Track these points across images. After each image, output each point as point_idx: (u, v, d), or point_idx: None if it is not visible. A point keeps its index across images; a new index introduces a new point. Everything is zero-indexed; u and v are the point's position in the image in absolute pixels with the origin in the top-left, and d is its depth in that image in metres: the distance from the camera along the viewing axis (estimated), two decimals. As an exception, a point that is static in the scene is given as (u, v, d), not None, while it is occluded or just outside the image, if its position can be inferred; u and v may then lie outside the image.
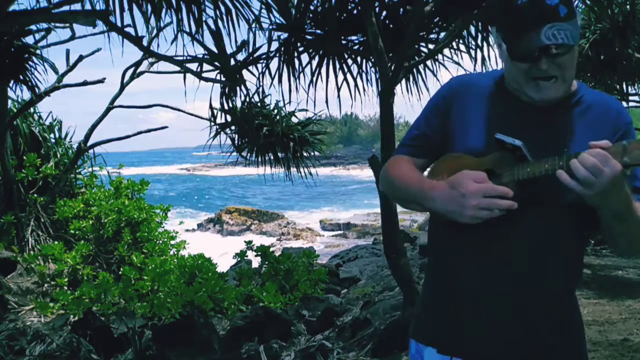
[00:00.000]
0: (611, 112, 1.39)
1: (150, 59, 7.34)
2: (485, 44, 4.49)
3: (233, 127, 6.02)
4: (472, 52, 4.51)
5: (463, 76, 1.57)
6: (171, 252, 6.89)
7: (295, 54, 4.43)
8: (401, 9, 4.35)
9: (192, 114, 7.33)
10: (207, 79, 4.50)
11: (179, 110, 7.72)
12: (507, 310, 1.36)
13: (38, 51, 6.13)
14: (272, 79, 4.51)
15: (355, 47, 4.52)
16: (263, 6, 4.23)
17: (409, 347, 1.57)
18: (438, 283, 1.48)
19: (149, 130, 8.12)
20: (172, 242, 7.04)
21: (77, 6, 3.64)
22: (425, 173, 1.53)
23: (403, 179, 1.47)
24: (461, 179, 1.30)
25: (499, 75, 1.47)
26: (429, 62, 4.65)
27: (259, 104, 5.77)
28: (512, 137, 1.30)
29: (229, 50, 4.27)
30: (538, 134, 1.35)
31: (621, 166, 1.17)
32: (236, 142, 6.17)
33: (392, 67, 3.91)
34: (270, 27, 4.32)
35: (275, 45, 4.50)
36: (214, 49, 4.27)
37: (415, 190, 1.42)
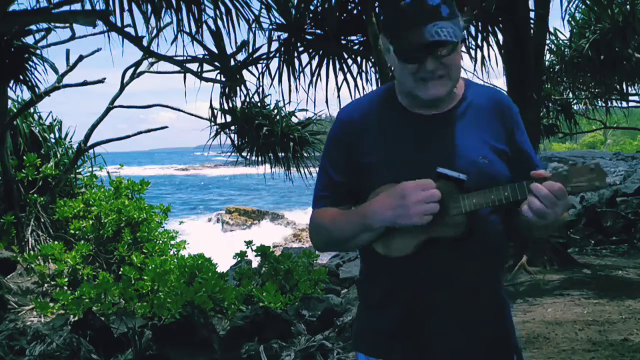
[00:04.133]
0: (499, 106, 1.45)
1: (150, 59, 7.34)
2: (485, 44, 4.50)
3: (233, 127, 6.02)
4: (472, 52, 4.51)
5: (348, 106, 1.53)
6: (171, 252, 6.89)
7: (295, 54, 4.44)
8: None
9: (192, 114, 7.34)
10: (207, 79, 4.50)
11: (179, 110, 7.73)
12: (454, 318, 1.39)
13: (38, 51, 6.14)
14: (272, 79, 4.53)
15: (355, 47, 4.52)
16: (263, 6, 4.24)
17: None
18: (382, 293, 1.45)
19: (149, 130, 8.13)
20: (172, 242, 7.04)
21: (77, 6, 3.65)
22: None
23: (338, 219, 1.43)
24: (396, 186, 1.32)
25: (385, 90, 1.49)
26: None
27: (259, 104, 5.78)
28: (410, 149, 1.38)
29: (229, 51, 4.27)
30: (435, 143, 1.39)
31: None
32: (236, 142, 6.18)
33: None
34: (270, 27, 4.33)
35: (275, 45, 4.50)
36: (214, 49, 4.27)
37: (354, 219, 1.39)
